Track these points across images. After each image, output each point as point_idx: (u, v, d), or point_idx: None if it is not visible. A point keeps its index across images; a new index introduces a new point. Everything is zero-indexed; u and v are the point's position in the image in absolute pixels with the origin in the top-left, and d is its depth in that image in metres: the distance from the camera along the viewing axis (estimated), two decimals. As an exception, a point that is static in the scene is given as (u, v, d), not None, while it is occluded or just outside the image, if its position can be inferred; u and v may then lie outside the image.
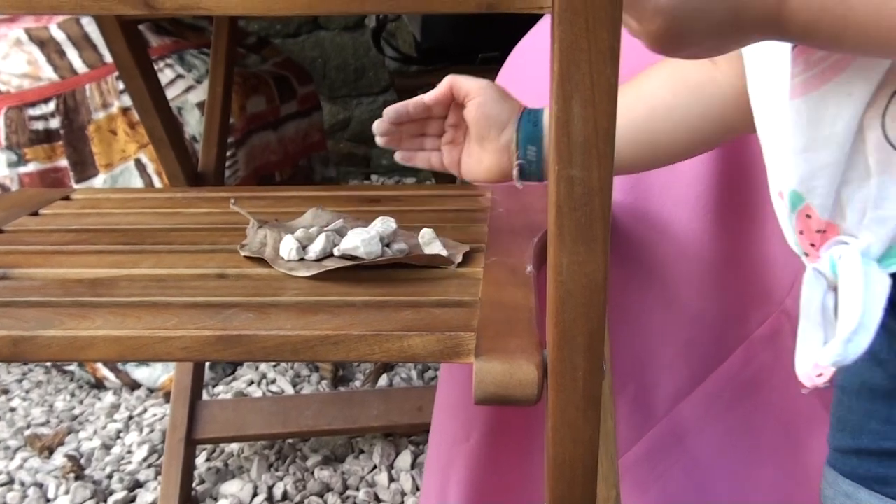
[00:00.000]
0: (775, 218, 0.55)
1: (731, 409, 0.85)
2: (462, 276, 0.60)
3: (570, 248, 0.40)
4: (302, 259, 0.61)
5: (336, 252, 0.61)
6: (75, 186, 1.67)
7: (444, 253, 0.61)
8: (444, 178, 2.45)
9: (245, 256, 0.64)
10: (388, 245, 0.62)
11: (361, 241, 0.60)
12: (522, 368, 0.46)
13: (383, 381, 1.60)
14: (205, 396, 1.50)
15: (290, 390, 1.59)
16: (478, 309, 0.53)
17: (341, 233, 0.63)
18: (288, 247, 0.61)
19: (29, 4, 0.36)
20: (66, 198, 0.83)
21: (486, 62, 1.87)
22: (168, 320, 0.52)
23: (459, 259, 0.62)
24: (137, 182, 1.66)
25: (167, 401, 1.55)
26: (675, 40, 0.46)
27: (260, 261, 0.63)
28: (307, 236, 0.63)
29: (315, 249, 0.61)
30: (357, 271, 0.60)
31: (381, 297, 0.55)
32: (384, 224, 0.63)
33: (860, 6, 0.43)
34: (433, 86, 0.76)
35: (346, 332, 0.50)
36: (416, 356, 0.50)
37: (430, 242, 0.63)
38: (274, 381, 1.62)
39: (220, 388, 1.62)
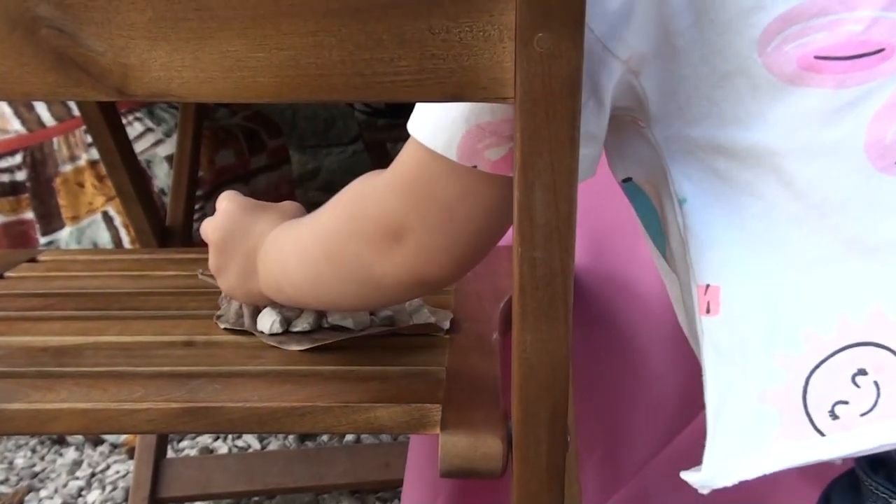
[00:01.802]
0: None
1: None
2: (429, 345, 0.60)
3: (534, 327, 0.41)
4: (287, 331, 0.60)
5: (325, 324, 0.61)
6: (41, 239, 1.66)
7: (432, 320, 0.62)
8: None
9: (224, 329, 0.62)
10: (373, 313, 0.62)
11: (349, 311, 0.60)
12: (487, 442, 0.47)
13: (351, 435, 1.58)
14: (169, 450, 1.48)
15: (256, 444, 1.57)
16: (444, 379, 0.54)
17: None
18: (270, 319, 0.60)
19: (2, 91, 0.36)
20: (33, 259, 0.83)
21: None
22: (134, 392, 0.52)
23: (447, 326, 0.62)
24: (104, 235, 1.65)
25: (130, 457, 1.52)
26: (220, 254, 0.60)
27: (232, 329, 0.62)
28: (291, 309, 0.61)
29: (305, 322, 0.60)
30: None
31: (348, 366, 0.56)
32: None
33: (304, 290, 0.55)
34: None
35: (312, 404, 0.50)
36: (383, 427, 0.51)
37: (417, 310, 0.63)
38: (240, 436, 1.60)
39: (185, 442, 1.59)
